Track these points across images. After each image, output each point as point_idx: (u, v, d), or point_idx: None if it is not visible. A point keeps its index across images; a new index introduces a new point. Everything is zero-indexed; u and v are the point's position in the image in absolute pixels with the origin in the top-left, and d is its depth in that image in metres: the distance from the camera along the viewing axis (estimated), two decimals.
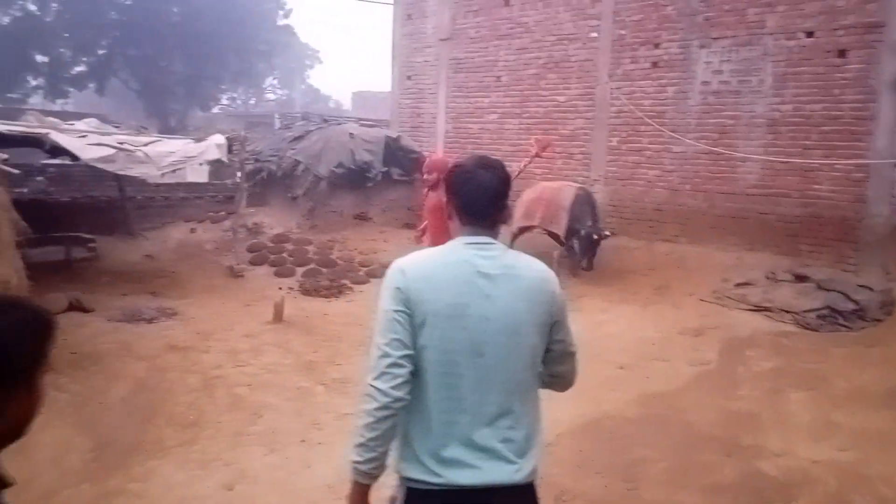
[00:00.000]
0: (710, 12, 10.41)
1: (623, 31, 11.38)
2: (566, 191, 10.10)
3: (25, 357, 1.19)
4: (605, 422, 5.20)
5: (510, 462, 1.92)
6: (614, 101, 11.53)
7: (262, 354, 6.52)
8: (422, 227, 6.69)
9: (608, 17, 11.53)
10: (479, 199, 2.02)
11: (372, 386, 1.88)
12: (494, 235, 2.04)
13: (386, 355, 1.88)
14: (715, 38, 10.38)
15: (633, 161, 11.41)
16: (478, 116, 13.47)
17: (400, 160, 13.52)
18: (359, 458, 1.91)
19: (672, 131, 10.81)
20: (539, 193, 10.29)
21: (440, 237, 5.70)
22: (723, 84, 10.37)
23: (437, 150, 13.83)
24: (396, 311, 1.91)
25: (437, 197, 5.89)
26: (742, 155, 10.11)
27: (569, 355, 2.13)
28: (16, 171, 6.80)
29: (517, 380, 1.97)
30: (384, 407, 1.87)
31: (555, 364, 2.11)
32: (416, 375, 1.92)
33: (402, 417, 1.94)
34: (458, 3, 13.64)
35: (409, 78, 14.79)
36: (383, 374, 1.88)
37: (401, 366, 1.88)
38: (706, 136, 10.51)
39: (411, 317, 1.90)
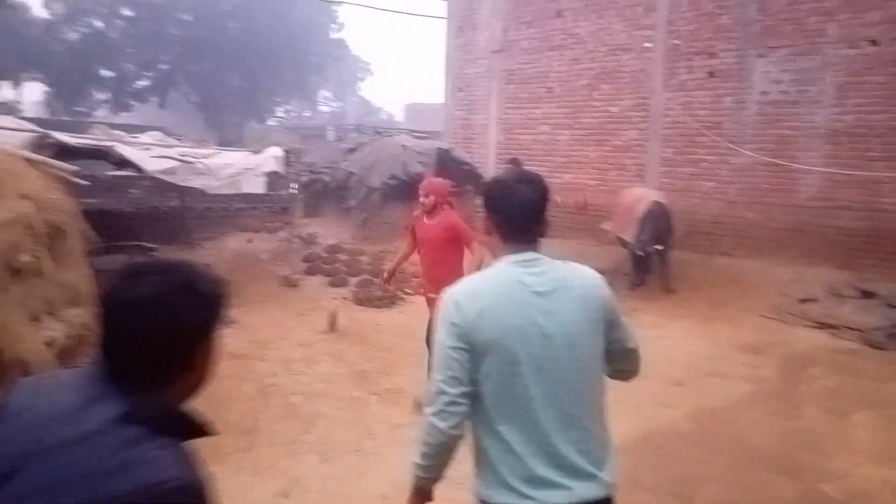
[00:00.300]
0: (767, 21, 10.22)
1: (677, 41, 11.25)
2: (642, 203, 9.83)
3: (215, 314, 1.33)
4: (657, 437, 5.12)
5: (593, 476, 1.92)
6: (669, 112, 11.40)
7: (316, 363, 6.63)
8: (389, 270, 6.06)
9: (662, 27, 11.42)
10: (521, 214, 2.03)
11: (431, 422, 1.93)
12: (537, 249, 2.04)
13: (443, 392, 1.91)
14: (773, 48, 10.18)
15: (689, 173, 11.24)
16: (530, 128, 13.46)
17: (452, 172, 13.58)
18: (420, 474, 2.04)
19: (729, 142, 10.63)
20: (624, 199, 10.26)
21: (435, 270, 5.28)
22: (781, 94, 10.15)
23: (489, 162, 13.88)
24: (452, 347, 1.92)
25: (438, 224, 5.38)
26: (802, 166, 9.88)
27: (629, 352, 2.13)
28: (84, 183, 7.05)
29: (583, 390, 1.98)
30: (441, 444, 1.95)
31: (617, 362, 2.11)
32: (485, 401, 1.93)
33: (478, 444, 1.98)
34: (511, 14, 13.67)
35: (461, 90, 14.85)
36: (441, 412, 1.91)
37: (458, 404, 1.91)
38: (764, 147, 10.30)
39: (471, 351, 1.91)
